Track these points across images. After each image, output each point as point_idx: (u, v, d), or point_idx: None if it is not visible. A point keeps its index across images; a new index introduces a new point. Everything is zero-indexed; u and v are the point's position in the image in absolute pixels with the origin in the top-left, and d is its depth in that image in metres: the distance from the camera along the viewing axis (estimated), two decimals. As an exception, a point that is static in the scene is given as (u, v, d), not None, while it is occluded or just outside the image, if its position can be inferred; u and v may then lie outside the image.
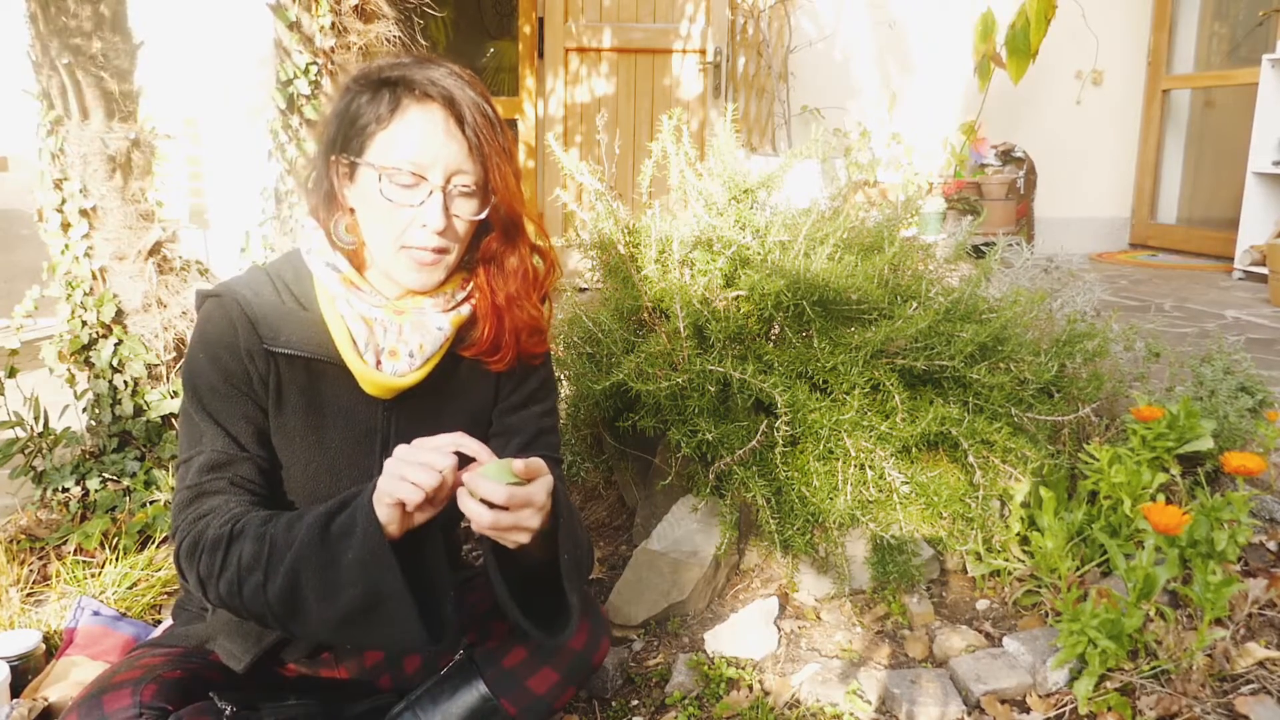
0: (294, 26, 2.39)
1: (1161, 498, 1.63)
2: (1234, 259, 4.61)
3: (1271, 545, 1.66)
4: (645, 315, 1.86)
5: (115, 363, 2.19)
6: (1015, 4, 4.62)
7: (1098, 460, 1.67)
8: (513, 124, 4.75)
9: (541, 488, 1.02)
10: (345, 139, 1.13)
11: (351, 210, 1.17)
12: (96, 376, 2.19)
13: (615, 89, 4.43)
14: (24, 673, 1.57)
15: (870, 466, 1.69)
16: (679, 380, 1.68)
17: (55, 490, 2.14)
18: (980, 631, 1.62)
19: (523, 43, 4.75)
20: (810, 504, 1.67)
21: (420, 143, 1.09)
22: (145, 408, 2.20)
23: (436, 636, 1.01)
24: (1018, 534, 1.73)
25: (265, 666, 1.24)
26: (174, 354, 2.25)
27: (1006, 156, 5.27)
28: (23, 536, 2.05)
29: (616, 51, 4.39)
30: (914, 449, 1.74)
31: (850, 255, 1.84)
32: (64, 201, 2.16)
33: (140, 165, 2.22)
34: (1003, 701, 1.42)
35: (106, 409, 2.19)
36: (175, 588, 1.88)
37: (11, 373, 2.16)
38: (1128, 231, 5.73)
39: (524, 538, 1.02)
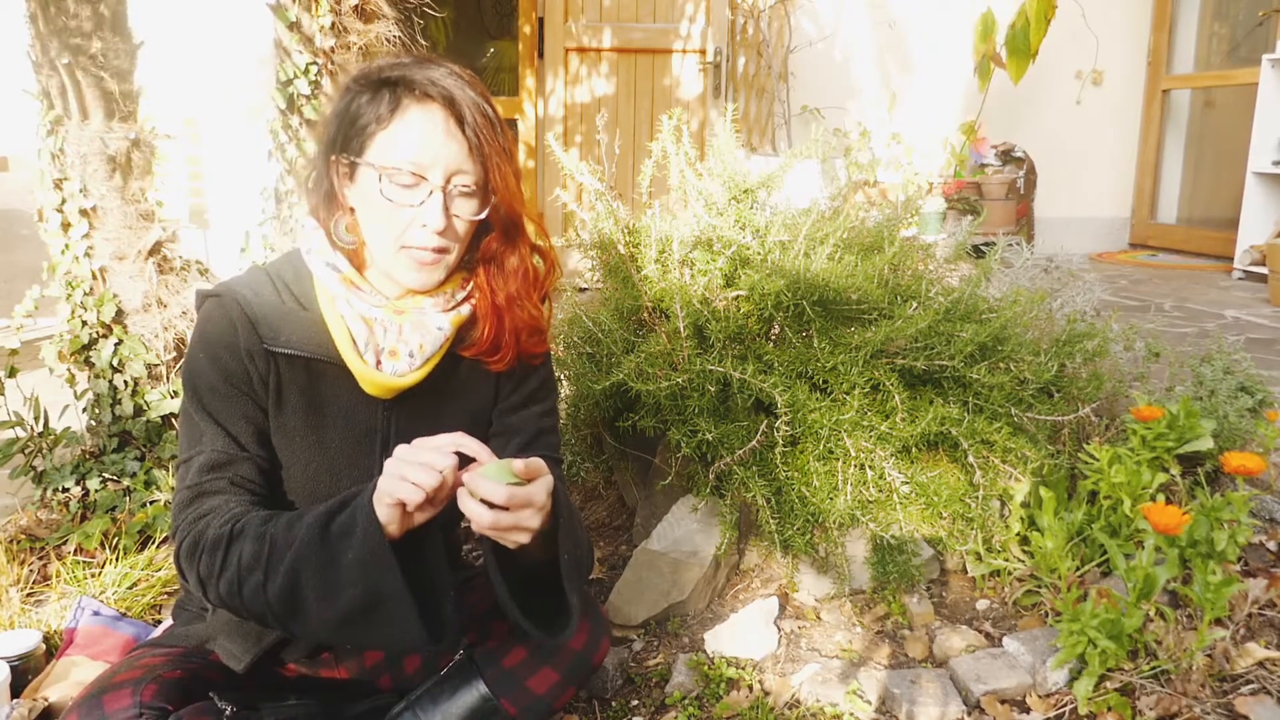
0: (294, 26, 2.39)
1: (1161, 498, 1.63)
2: (1234, 259, 4.61)
3: (1271, 545, 1.66)
4: (645, 315, 1.86)
5: (115, 363, 2.19)
6: (1015, 4, 4.62)
7: (1098, 460, 1.67)
8: (513, 124, 4.75)
9: (541, 488, 1.02)
10: (345, 139, 1.14)
11: (351, 210, 1.17)
12: (96, 376, 2.19)
13: (615, 89, 4.43)
14: (24, 673, 1.57)
15: (870, 466, 1.69)
16: (679, 380, 1.68)
17: (55, 490, 2.14)
18: (980, 631, 1.62)
19: (523, 43, 4.75)
20: (810, 504, 1.67)
21: (420, 143, 1.09)
22: (145, 408, 2.20)
23: (436, 636, 1.02)
24: (1018, 534, 1.73)
25: (265, 666, 1.24)
26: (174, 354, 2.25)
27: (1006, 156, 5.27)
28: (23, 536, 2.05)
29: (616, 51, 4.39)
30: (914, 449, 1.74)
31: (850, 255, 1.84)
32: (64, 201, 2.16)
33: (140, 165, 2.22)
34: (1003, 701, 1.42)
35: (106, 409, 2.19)
36: (175, 588, 1.88)
37: (11, 373, 2.16)
38: (1128, 231, 5.73)
39: (524, 538, 1.02)
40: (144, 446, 2.21)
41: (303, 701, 1.22)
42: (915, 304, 1.82)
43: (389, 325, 1.17)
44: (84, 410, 2.24)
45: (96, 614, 1.71)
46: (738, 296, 1.80)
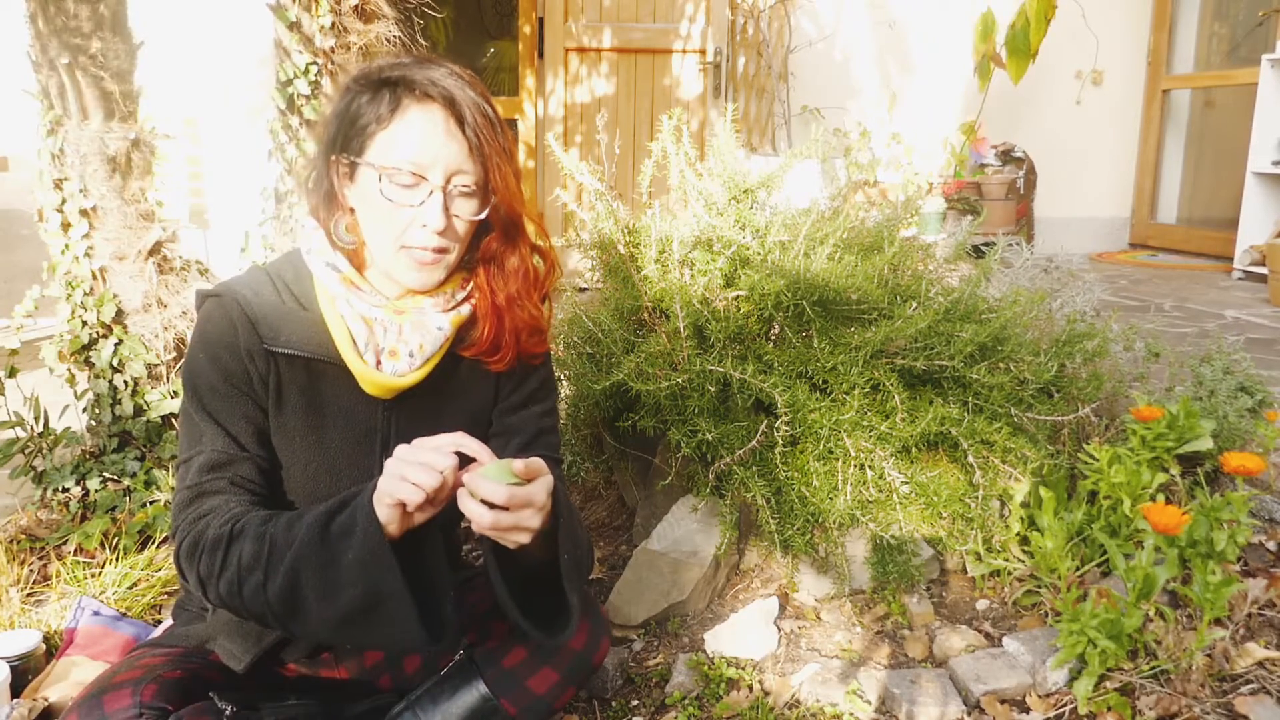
0: (294, 27, 2.39)
1: (1161, 498, 1.63)
2: (1234, 259, 4.61)
3: (1271, 545, 1.66)
4: (645, 315, 1.86)
5: (115, 363, 2.19)
6: (1015, 4, 4.62)
7: (1097, 460, 1.67)
8: (513, 124, 4.75)
9: (541, 488, 1.02)
10: (345, 139, 1.14)
11: (351, 210, 1.17)
12: (96, 376, 2.19)
13: (615, 89, 4.43)
14: (24, 673, 1.57)
15: (870, 466, 1.69)
16: (679, 380, 1.68)
17: (55, 490, 2.14)
18: (980, 631, 1.62)
19: (523, 43, 4.75)
20: (810, 504, 1.67)
21: (420, 143, 1.10)
22: (145, 408, 2.20)
23: (436, 636, 1.02)
24: (1017, 534, 1.73)
25: (265, 666, 1.24)
26: (174, 354, 2.25)
27: (1006, 156, 5.27)
28: (23, 536, 2.05)
29: (616, 51, 4.39)
30: (914, 449, 1.74)
31: (850, 255, 1.84)
32: (64, 201, 2.16)
33: (140, 165, 2.22)
34: (1002, 701, 1.42)
35: (106, 409, 2.19)
36: (175, 588, 1.88)
37: (11, 373, 2.16)
38: (1128, 231, 5.73)
39: (524, 538, 1.02)
40: (144, 446, 2.21)
41: (303, 701, 1.22)
42: (915, 304, 1.82)
43: (389, 325, 1.17)
44: (84, 410, 2.24)
45: (96, 614, 1.71)
46: (738, 296, 1.80)
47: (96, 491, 2.13)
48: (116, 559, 1.91)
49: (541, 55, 4.42)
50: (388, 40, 2.48)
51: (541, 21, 4.38)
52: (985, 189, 5.00)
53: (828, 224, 1.90)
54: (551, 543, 1.08)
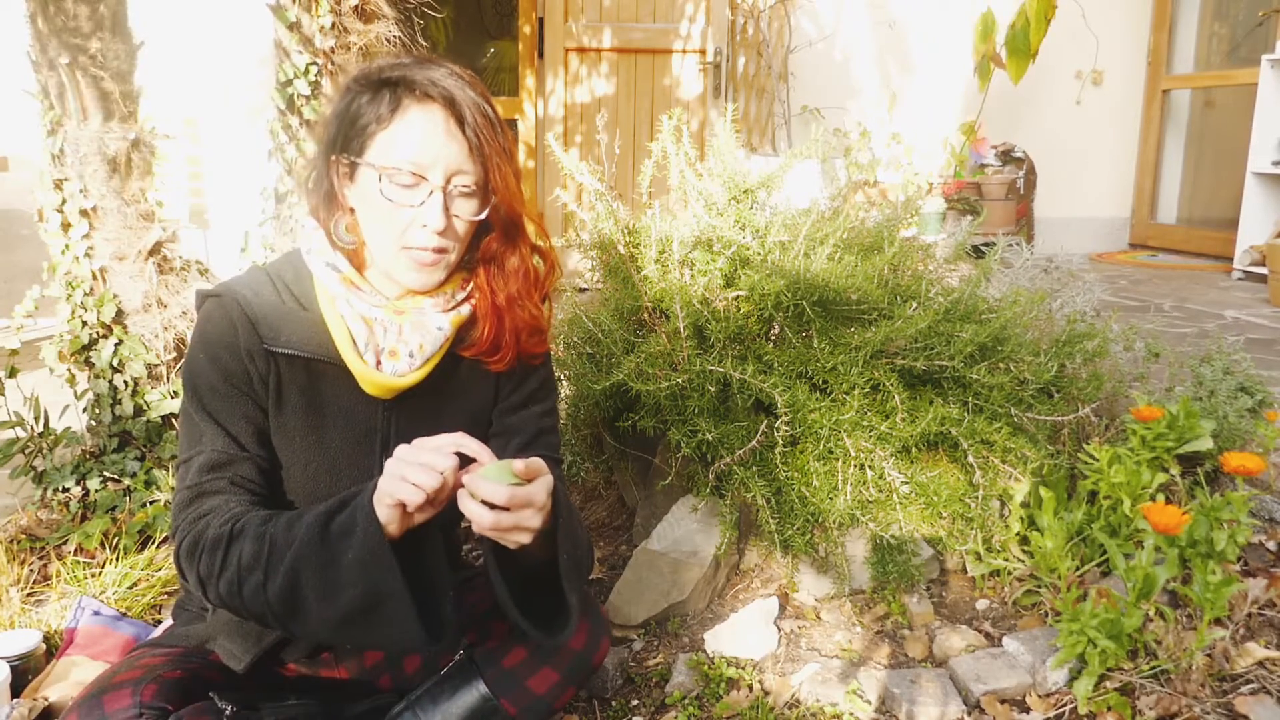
0: (294, 27, 2.39)
1: (1161, 498, 1.63)
2: (1234, 259, 4.61)
3: (1271, 545, 1.66)
4: (645, 315, 1.86)
5: (115, 363, 2.19)
6: (1015, 4, 4.62)
7: (1097, 460, 1.67)
8: (513, 124, 4.75)
9: (542, 487, 1.02)
10: (345, 139, 1.14)
11: (352, 210, 1.17)
12: (96, 376, 2.19)
13: (615, 89, 4.43)
14: (24, 673, 1.57)
15: (870, 466, 1.69)
16: (679, 380, 1.68)
17: (55, 490, 2.14)
18: (980, 631, 1.62)
19: (523, 43, 4.75)
20: (810, 504, 1.67)
21: (421, 143, 1.10)
22: (145, 408, 2.20)
23: (436, 636, 1.02)
24: (1017, 534, 1.73)
25: (265, 666, 1.24)
26: (174, 354, 2.25)
27: (1006, 156, 5.27)
28: (23, 536, 2.05)
29: (616, 51, 4.39)
30: (914, 449, 1.74)
31: (850, 255, 1.84)
32: (64, 202, 2.16)
33: (140, 165, 2.22)
34: (1002, 701, 1.42)
35: (106, 409, 2.19)
36: (175, 588, 1.88)
37: (12, 373, 2.16)
38: (1128, 231, 5.73)
39: (525, 538, 1.02)
40: (144, 446, 2.21)
41: (303, 701, 1.22)
42: (915, 304, 1.82)
43: (389, 325, 1.17)
44: (84, 410, 2.24)
45: (96, 614, 1.71)
46: (738, 297, 1.80)
47: (96, 491, 2.13)
48: (116, 559, 1.91)
49: (541, 55, 4.42)
50: (388, 40, 2.48)
51: (541, 21, 4.38)
52: (985, 189, 5.00)
53: (828, 224, 1.90)
54: (551, 542, 1.08)
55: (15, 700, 1.50)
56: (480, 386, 1.28)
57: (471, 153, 1.12)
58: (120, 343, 2.20)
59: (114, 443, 2.20)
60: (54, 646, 1.67)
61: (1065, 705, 1.39)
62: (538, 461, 1.03)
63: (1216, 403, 1.86)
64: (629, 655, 1.64)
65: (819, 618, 1.71)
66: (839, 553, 1.74)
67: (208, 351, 1.14)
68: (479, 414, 1.29)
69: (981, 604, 1.71)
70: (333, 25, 2.40)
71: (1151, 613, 1.43)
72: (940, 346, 1.74)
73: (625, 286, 1.93)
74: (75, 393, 2.23)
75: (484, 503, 0.98)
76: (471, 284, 1.23)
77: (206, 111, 4.31)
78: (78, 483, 2.15)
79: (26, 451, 2.15)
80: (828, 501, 1.66)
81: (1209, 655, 1.38)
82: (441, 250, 1.14)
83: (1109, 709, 1.34)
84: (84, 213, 2.17)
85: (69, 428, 2.22)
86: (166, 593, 1.87)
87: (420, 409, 1.22)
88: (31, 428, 2.15)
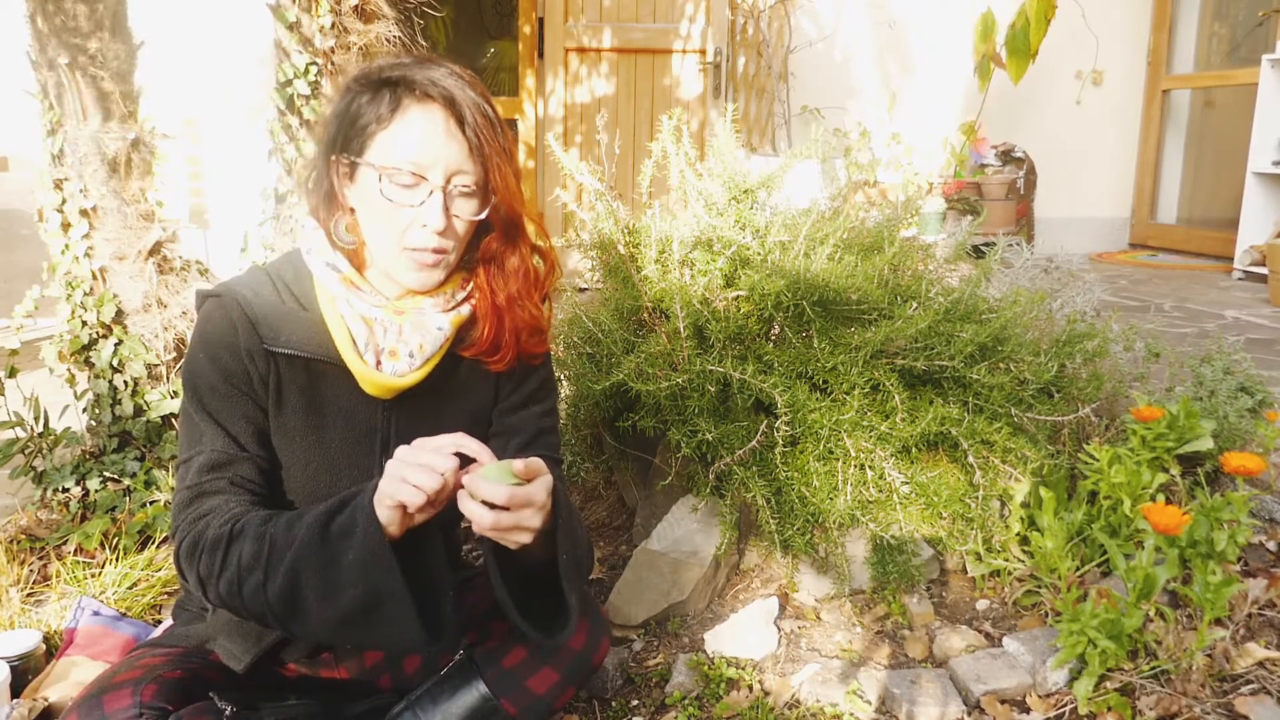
0: (293, 27, 2.39)
1: (1161, 498, 1.63)
2: (1234, 259, 4.61)
3: (1271, 545, 1.66)
4: (645, 315, 1.86)
5: (115, 363, 2.19)
6: (1015, 4, 4.63)
7: (1098, 460, 1.67)
8: (513, 124, 4.75)
9: (541, 487, 1.02)
10: (345, 139, 1.14)
11: (352, 210, 1.17)
12: (96, 376, 2.19)
13: (615, 89, 4.43)
14: (24, 673, 1.57)
15: (870, 466, 1.69)
16: (679, 380, 1.68)
17: (55, 490, 2.14)
18: (980, 631, 1.62)
19: (523, 43, 4.75)
20: (810, 504, 1.67)
21: (421, 143, 1.10)
22: (145, 408, 2.20)
23: (436, 636, 1.02)
24: (1018, 534, 1.73)
25: (265, 666, 1.24)
26: (174, 354, 2.25)
27: (1006, 156, 5.27)
28: (23, 536, 2.05)
29: (616, 51, 4.39)
30: (914, 449, 1.74)
31: (850, 255, 1.84)
32: (64, 201, 2.16)
33: (140, 165, 2.22)
34: (1003, 701, 1.42)
35: (106, 409, 2.19)
36: (175, 588, 1.88)
37: (12, 373, 2.16)
38: (1128, 231, 5.73)
39: (526, 538, 1.02)
40: (144, 446, 2.21)
41: (303, 701, 1.22)
42: (915, 304, 1.82)
43: (389, 325, 1.17)
44: (84, 410, 2.24)
45: (96, 614, 1.71)
46: (738, 297, 1.80)
47: (96, 491, 2.13)
48: (116, 559, 1.91)
49: (541, 55, 4.42)
50: (388, 40, 2.48)
51: (541, 21, 4.38)
52: (985, 189, 5.00)
53: (828, 224, 1.90)
54: (552, 542, 1.08)
55: (15, 700, 1.50)
56: (480, 386, 1.28)
57: (471, 153, 1.12)
58: (120, 343, 2.20)
59: (114, 443, 2.20)
60: (54, 646, 1.67)
61: (1065, 705, 1.39)
62: (537, 461, 1.03)
63: (1217, 403, 1.86)
64: (629, 655, 1.64)
65: (819, 618, 1.71)
66: (839, 553, 1.74)
67: (208, 351, 1.14)
68: (479, 414, 1.29)
69: (981, 604, 1.71)
70: (332, 25, 2.40)
71: (1152, 613, 1.43)
72: (940, 346, 1.74)
73: (625, 286, 1.93)
74: (75, 393, 2.23)
75: (484, 503, 0.98)
76: (471, 284, 1.23)
77: (206, 111, 4.31)
78: (78, 483, 2.15)
79: (26, 451, 2.15)
80: (828, 501, 1.66)
81: (1209, 655, 1.38)
82: (441, 250, 1.14)
83: (1109, 709, 1.34)
84: (84, 213, 2.17)
85: (69, 428, 2.22)
86: (166, 593, 1.87)
87: (420, 409, 1.22)
88: (31, 428, 2.15)
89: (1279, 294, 3.91)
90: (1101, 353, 1.92)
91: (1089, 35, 5.22)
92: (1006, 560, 1.73)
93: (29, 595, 1.84)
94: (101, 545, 1.97)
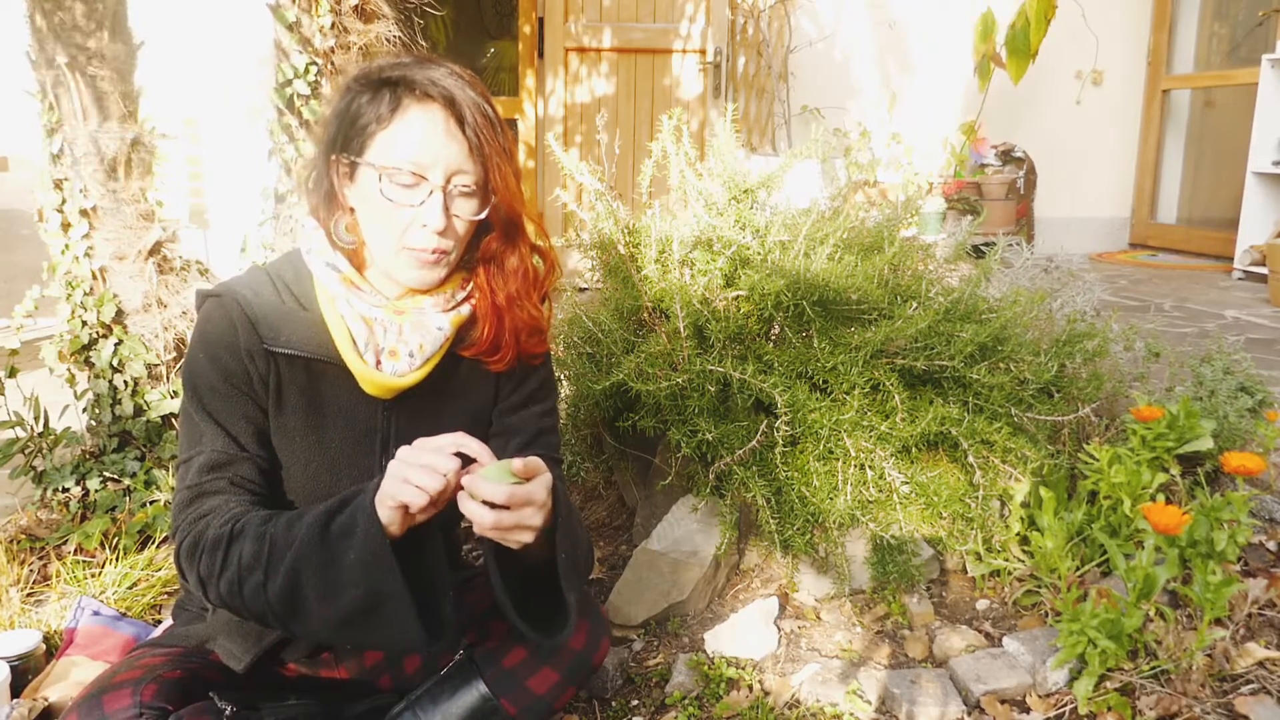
0: (293, 27, 2.38)
1: (1161, 498, 1.63)
2: (1234, 259, 4.61)
3: (1271, 545, 1.66)
4: (645, 315, 1.86)
5: (115, 363, 2.19)
6: (1015, 4, 4.62)
7: (1098, 460, 1.67)
8: (513, 124, 4.75)
9: (541, 485, 1.02)
10: (345, 139, 1.14)
11: (352, 210, 1.17)
12: (96, 376, 2.19)
13: (615, 89, 4.43)
14: (24, 673, 1.57)
15: (870, 466, 1.69)
16: (679, 380, 1.68)
17: (55, 490, 2.14)
18: (980, 631, 1.62)
19: (523, 43, 4.75)
20: (810, 504, 1.67)
21: (421, 143, 1.10)
22: (145, 408, 2.20)
23: (436, 636, 1.02)
24: (1018, 534, 1.73)
25: (265, 666, 1.24)
26: (174, 354, 2.25)
27: (1006, 156, 5.27)
28: (23, 536, 2.05)
29: (616, 51, 4.39)
30: (914, 449, 1.74)
31: (850, 255, 1.84)
32: (64, 201, 2.16)
33: (140, 165, 2.22)
34: (1003, 701, 1.42)
35: (106, 409, 2.19)
36: (175, 588, 1.88)
37: (11, 373, 2.16)
38: (1128, 231, 5.73)
39: (527, 537, 1.02)
40: (144, 446, 2.21)
41: (303, 701, 1.22)
42: (915, 304, 1.82)
43: (389, 325, 1.17)
44: (84, 410, 2.24)
45: (96, 614, 1.71)
46: (738, 296, 1.80)
47: (96, 491, 2.13)
48: (116, 559, 1.91)
49: (541, 55, 4.42)
50: (388, 40, 2.48)
51: (541, 21, 4.38)
52: (985, 189, 5.00)
53: (828, 224, 1.90)
54: (552, 541, 1.08)
55: (15, 700, 1.50)
56: (480, 386, 1.28)
57: (471, 152, 1.12)
58: (120, 343, 2.20)
59: (114, 443, 2.20)
60: (54, 646, 1.67)
61: (1065, 705, 1.39)
62: (536, 460, 1.03)
63: (1217, 403, 1.86)
64: (629, 655, 1.64)
65: (819, 618, 1.71)
66: (839, 553, 1.74)
67: (208, 351, 1.14)
68: (479, 414, 1.29)
69: (981, 604, 1.71)
70: (332, 25, 2.40)
71: (1152, 613, 1.43)
72: (940, 346, 1.74)
73: (625, 286, 1.93)
74: (75, 393, 2.23)
75: (484, 502, 0.98)
76: (471, 284, 1.23)
77: (206, 111, 4.31)
78: (78, 483, 2.15)
79: (26, 451, 2.15)
80: (828, 501, 1.66)
81: (1209, 655, 1.38)
82: (441, 250, 1.14)
83: (1109, 709, 1.34)
84: (84, 212, 2.17)
85: (69, 428, 2.22)
86: (166, 593, 1.87)
87: (420, 409, 1.22)
88: (31, 428, 2.15)
89: (1279, 294, 3.91)
90: (1101, 352, 1.92)
91: (1089, 35, 5.22)
92: (1006, 560, 1.73)
93: (29, 595, 1.84)
94: (101, 545, 1.97)
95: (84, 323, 2.18)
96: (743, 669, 1.58)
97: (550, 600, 1.12)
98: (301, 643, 1.27)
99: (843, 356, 1.69)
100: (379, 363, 1.17)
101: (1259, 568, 1.60)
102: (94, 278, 2.20)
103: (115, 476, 2.16)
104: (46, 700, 1.51)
